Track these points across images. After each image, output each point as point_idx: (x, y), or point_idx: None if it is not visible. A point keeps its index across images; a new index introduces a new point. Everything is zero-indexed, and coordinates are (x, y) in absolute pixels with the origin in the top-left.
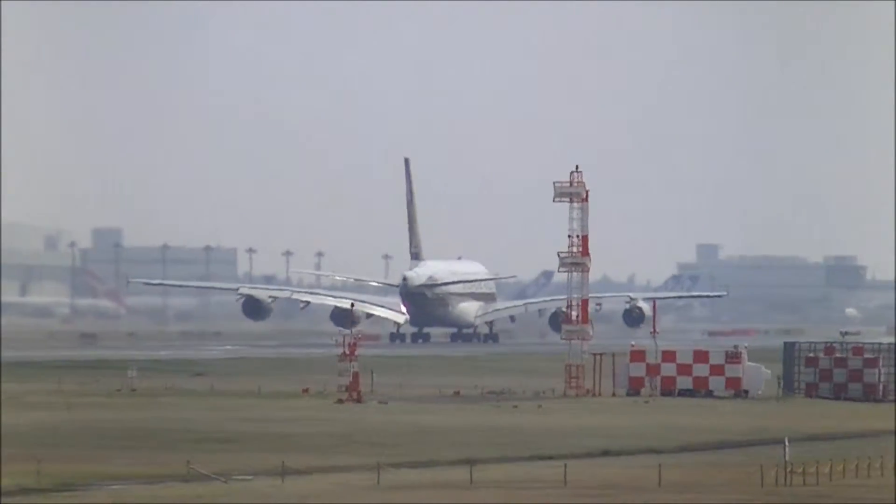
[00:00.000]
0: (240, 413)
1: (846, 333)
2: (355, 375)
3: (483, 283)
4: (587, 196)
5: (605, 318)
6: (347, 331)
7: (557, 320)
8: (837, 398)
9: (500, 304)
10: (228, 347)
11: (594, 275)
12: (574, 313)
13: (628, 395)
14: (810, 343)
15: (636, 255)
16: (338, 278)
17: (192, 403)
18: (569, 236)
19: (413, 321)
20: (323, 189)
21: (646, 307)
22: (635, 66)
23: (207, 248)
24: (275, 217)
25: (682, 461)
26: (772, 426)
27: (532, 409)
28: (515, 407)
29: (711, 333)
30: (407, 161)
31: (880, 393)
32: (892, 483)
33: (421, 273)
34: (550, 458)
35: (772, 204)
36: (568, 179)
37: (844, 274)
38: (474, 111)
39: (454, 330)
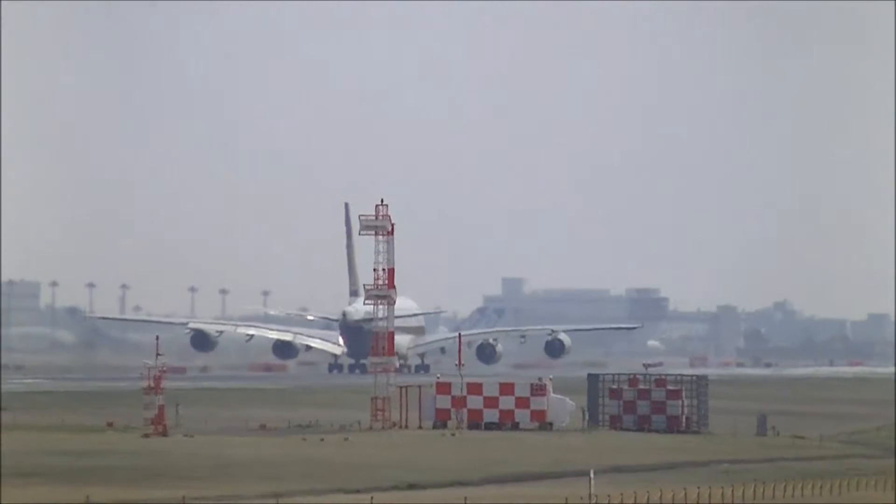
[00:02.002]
0: (43, 447)
1: (649, 365)
2: (161, 408)
3: (414, 317)
4: (393, 229)
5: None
6: (152, 363)
7: (485, 352)
8: (641, 430)
9: (429, 337)
10: (31, 381)
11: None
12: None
13: (435, 427)
14: (614, 375)
15: (442, 288)
16: (273, 312)
17: None
18: (374, 269)
19: (350, 353)
20: (134, 222)
21: (566, 339)
22: (446, 95)
23: (10, 283)
24: (77, 250)
25: (488, 494)
26: (576, 458)
27: (338, 442)
28: (322, 440)
29: (517, 366)
30: (347, 205)
31: (683, 424)
32: None
33: (359, 308)
34: (357, 491)
35: (576, 237)
36: (374, 213)
37: (647, 306)
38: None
39: None
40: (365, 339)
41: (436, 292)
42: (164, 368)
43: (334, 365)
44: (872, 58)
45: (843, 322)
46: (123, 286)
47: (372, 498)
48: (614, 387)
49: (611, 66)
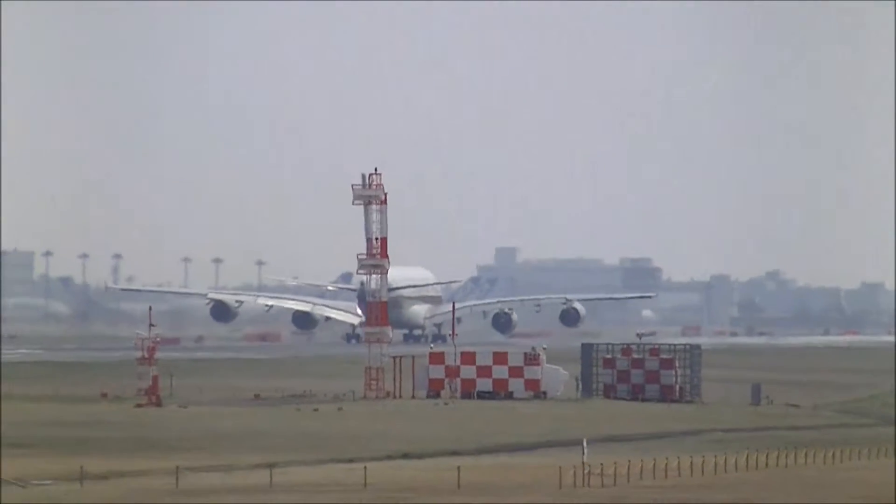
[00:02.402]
0: (37, 417)
1: (643, 335)
2: (155, 379)
3: (431, 287)
4: (386, 199)
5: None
6: (146, 334)
7: (500, 321)
8: (635, 399)
9: (446, 307)
10: (25, 351)
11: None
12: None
13: (428, 397)
14: (608, 345)
15: (435, 257)
16: (292, 283)
17: None
18: (367, 239)
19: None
20: (125, 195)
21: (581, 308)
22: (436, 65)
23: (4, 253)
24: (70, 219)
25: (481, 463)
26: (570, 427)
27: (332, 412)
28: (316, 410)
29: (511, 335)
30: (364, 177)
31: (677, 394)
32: (688, 484)
33: None
34: (350, 460)
35: (569, 206)
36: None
37: (640, 276)
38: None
39: (406, 331)
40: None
41: (429, 261)
42: (158, 339)
43: (352, 335)
44: (873, 56)
45: (838, 291)
46: (116, 256)
47: (366, 468)
48: (608, 356)
49: (611, 48)
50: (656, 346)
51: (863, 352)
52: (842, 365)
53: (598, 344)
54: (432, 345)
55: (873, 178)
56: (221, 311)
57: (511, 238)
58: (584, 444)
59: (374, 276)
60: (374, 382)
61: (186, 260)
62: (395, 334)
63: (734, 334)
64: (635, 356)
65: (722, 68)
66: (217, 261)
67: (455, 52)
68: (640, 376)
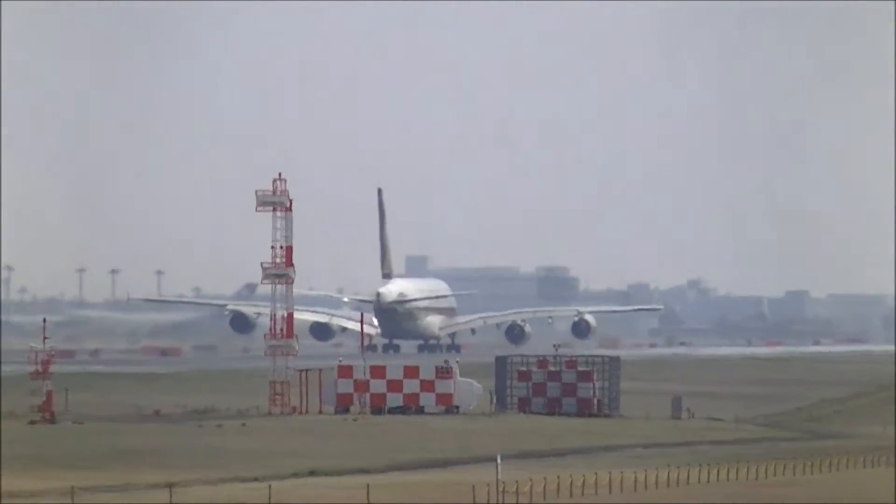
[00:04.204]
0: None
1: (559, 346)
2: (48, 394)
3: (445, 299)
4: (291, 205)
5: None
6: (40, 347)
7: (513, 332)
8: (551, 413)
9: (460, 318)
10: None
11: (299, 286)
12: (280, 326)
13: (336, 412)
14: (523, 357)
15: (343, 266)
16: (310, 294)
17: None
18: (272, 247)
19: (384, 333)
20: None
21: (591, 320)
22: (344, 73)
23: None
24: None
25: (391, 480)
26: (483, 443)
27: (236, 428)
28: (219, 426)
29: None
30: (380, 191)
31: (595, 407)
32: (606, 501)
33: (392, 290)
34: (255, 479)
35: (483, 214)
36: (271, 188)
37: (557, 285)
38: None
39: (421, 341)
40: (398, 320)
41: (339, 271)
42: (52, 352)
43: (369, 345)
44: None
45: (760, 299)
46: (8, 268)
47: (270, 486)
48: (523, 369)
49: (526, 56)
50: (573, 358)
51: (786, 363)
52: (765, 377)
53: (512, 356)
54: (340, 358)
55: (797, 185)
56: (241, 323)
57: (422, 246)
58: (498, 459)
59: (279, 285)
60: (278, 397)
61: (81, 270)
62: (410, 345)
63: (653, 346)
64: (551, 369)
65: (636, 78)
66: (114, 271)
67: (363, 58)
68: (556, 389)
